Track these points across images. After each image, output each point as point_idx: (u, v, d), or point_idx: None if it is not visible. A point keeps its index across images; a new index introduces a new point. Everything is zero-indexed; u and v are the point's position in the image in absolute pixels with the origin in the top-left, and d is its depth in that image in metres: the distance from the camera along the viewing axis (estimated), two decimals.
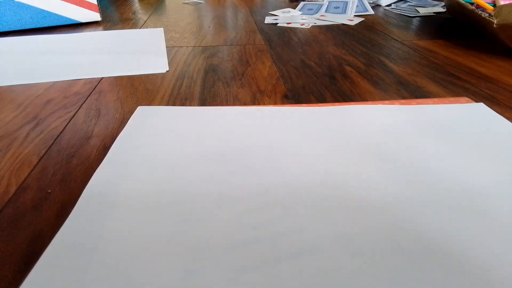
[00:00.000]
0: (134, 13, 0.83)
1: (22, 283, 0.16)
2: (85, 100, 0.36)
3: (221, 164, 0.24)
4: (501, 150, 0.25)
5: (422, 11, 0.76)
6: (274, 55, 0.50)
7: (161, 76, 0.42)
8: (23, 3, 0.62)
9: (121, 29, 0.67)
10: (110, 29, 0.66)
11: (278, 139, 0.27)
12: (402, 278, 0.16)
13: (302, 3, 0.85)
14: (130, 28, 0.68)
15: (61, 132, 0.30)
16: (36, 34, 0.62)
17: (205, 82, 0.40)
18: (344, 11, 0.77)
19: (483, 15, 0.47)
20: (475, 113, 0.31)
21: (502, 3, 0.49)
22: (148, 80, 0.41)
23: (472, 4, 0.52)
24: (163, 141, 0.27)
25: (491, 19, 0.46)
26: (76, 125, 0.31)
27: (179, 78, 0.42)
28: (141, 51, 0.52)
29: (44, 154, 0.27)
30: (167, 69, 0.44)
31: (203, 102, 0.35)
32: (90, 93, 0.38)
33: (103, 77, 0.42)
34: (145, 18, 0.77)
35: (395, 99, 0.35)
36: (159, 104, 0.35)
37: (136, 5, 0.93)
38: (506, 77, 0.40)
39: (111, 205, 0.20)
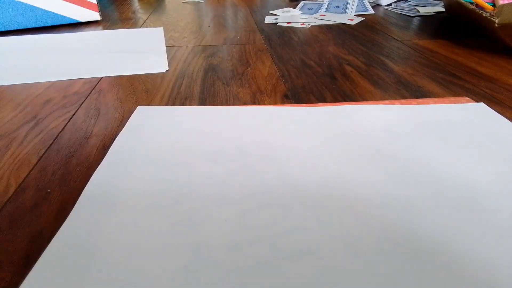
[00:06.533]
0: (133, 12, 0.82)
1: (22, 283, 0.16)
2: (85, 100, 0.36)
3: (221, 164, 0.24)
4: (501, 149, 0.25)
5: (423, 10, 0.76)
6: (274, 55, 0.50)
7: (161, 75, 0.42)
8: (23, 3, 0.62)
9: (120, 28, 0.67)
10: (110, 29, 0.66)
11: (278, 139, 0.27)
12: (402, 278, 0.16)
13: (302, 3, 0.85)
14: (130, 27, 0.67)
15: (60, 132, 0.30)
16: (35, 34, 0.62)
17: (205, 82, 0.40)
18: (344, 11, 0.77)
19: (484, 15, 0.47)
20: (475, 113, 0.31)
21: (501, 2, 0.49)
22: (147, 80, 0.41)
23: (472, 3, 0.52)
24: (162, 141, 0.27)
25: (492, 19, 0.46)
26: (76, 125, 0.31)
27: (179, 78, 0.41)
28: (141, 50, 0.52)
29: (43, 154, 0.27)
30: (167, 69, 0.44)
31: (203, 102, 0.35)
32: (90, 93, 0.38)
33: (102, 77, 0.42)
34: (144, 17, 0.77)
35: (395, 99, 0.35)
36: (159, 104, 0.35)
37: (136, 5, 0.92)
38: (506, 77, 0.40)
39: (110, 204, 0.20)
